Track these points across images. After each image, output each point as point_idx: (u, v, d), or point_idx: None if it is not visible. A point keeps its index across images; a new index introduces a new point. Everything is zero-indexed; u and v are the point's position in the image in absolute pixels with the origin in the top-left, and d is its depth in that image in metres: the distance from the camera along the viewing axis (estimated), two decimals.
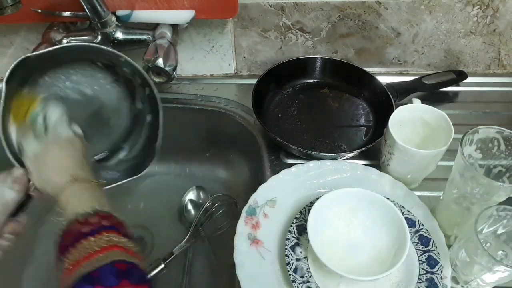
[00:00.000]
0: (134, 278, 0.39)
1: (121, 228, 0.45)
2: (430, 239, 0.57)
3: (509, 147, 0.53)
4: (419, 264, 0.55)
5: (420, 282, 0.53)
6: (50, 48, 0.52)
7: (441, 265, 0.54)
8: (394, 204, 0.58)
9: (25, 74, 0.53)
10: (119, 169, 0.66)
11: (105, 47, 0.56)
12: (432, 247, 0.56)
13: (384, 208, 0.56)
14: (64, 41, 0.70)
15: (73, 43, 0.56)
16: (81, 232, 0.43)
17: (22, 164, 0.52)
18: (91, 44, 0.55)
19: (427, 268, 0.54)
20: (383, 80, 0.77)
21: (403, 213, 0.58)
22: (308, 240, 0.52)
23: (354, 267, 0.54)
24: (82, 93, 0.60)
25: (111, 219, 0.45)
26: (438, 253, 0.55)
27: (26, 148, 0.51)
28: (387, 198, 0.57)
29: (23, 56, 0.49)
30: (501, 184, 0.49)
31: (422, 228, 0.58)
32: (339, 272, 0.49)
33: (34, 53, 0.51)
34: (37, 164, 0.51)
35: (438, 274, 0.53)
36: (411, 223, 0.58)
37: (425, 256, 0.56)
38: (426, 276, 0.54)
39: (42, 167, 0.50)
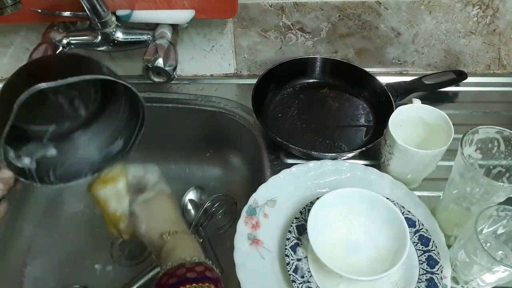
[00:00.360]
0: None
1: (219, 283, 0.48)
2: (430, 239, 0.57)
3: (509, 147, 0.53)
4: (419, 264, 0.55)
5: (420, 282, 0.53)
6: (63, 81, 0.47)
7: (441, 265, 0.54)
8: (394, 204, 0.58)
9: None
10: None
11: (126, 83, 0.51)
12: (432, 247, 0.56)
13: (384, 208, 0.56)
14: (64, 41, 0.70)
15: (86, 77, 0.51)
16: (186, 276, 0.46)
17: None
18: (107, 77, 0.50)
19: (427, 268, 0.54)
20: (383, 80, 0.77)
21: (403, 213, 0.58)
22: (308, 240, 0.52)
23: (354, 267, 0.54)
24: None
25: (213, 272, 0.49)
26: (438, 253, 0.55)
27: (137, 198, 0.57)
28: (387, 198, 0.57)
29: (38, 88, 0.44)
30: (501, 184, 0.49)
31: (422, 228, 0.58)
32: (339, 272, 0.49)
33: (49, 85, 0.46)
34: (146, 210, 0.56)
35: (438, 274, 0.53)
36: (411, 223, 0.58)
37: (425, 256, 0.56)
38: (426, 276, 0.54)
39: (152, 214, 0.56)
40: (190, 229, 0.77)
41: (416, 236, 0.58)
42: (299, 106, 0.79)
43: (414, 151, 0.58)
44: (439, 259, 0.55)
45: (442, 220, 0.60)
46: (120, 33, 0.69)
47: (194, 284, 0.45)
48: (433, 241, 0.57)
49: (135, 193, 0.58)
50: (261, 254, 0.58)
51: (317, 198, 0.57)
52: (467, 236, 0.51)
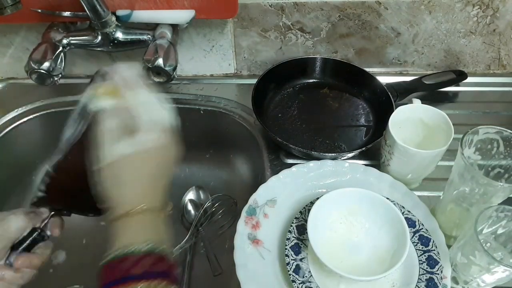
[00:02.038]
0: None
1: (172, 272, 0.41)
2: (430, 239, 0.57)
3: (508, 148, 0.53)
4: (419, 264, 0.55)
5: (420, 282, 0.53)
6: None
7: (441, 265, 0.54)
8: (394, 204, 0.58)
9: None
10: None
11: None
12: (432, 247, 0.56)
13: (384, 208, 0.56)
14: (64, 41, 0.70)
15: None
16: (129, 273, 0.38)
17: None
18: None
19: (427, 268, 0.54)
20: (383, 80, 0.77)
21: (403, 213, 0.58)
22: (308, 240, 0.52)
23: (354, 267, 0.54)
24: None
25: (165, 262, 0.41)
26: (438, 253, 0.55)
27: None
28: (387, 198, 0.57)
29: None
30: (501, 184, 0.49)
31: (422, 228, 0.58)
32: (339, 272, 0.49)
33: None
34: (113, 170, 0.43)
35: (438, 274, 0.53)
36: (411, 223, 0.58)
37: (425, 256, 0.56)
38: (426, 276, 0.54)
39: (117, 176, 0.43)
40: (190, 229, 0.77)
41: (416, 236, 0.58)
42: (299, 106, 0.79)
43: (414, 151, 0.58)
44: (439, 259, 0.55)
45: (442, 220, 0.60)
46: (120, 33, 0.70)
47: (140, 284, 0.38)
48: (433, 241, 0.57)
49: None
50: (261, 254, 0.58)
51: (317, 198, 0.57)
52: (467, 236, 0.51)
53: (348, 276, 0.49)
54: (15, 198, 0.82)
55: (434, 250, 0.56)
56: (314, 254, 0.51)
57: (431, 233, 0.58)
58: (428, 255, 0.56)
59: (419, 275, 0.54)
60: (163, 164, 0.46)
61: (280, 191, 0.64)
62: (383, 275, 0.50)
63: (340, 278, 0.52)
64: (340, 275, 0.49)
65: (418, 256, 0.56)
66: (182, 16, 0.70)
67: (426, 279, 0.53)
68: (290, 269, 0.54)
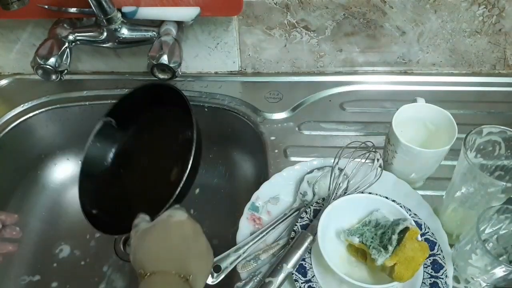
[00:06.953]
0: None
1: None
2: (436, 243, 0.56)
3: (509, 150, 0.53)
4: (424, 268, 0.54)
5: (423, 286, 0.53)
6: None
7: (445, 270, 0.53)
8: (401, 207, 0.57)
9: None
10: None
11: None
12: (437, 251, 0.55)
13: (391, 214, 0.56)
14: (70, 37, 0.70)
15: None
16: None
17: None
18: None
19: (431, 272, 0.54)
20: (388, 79, 0.77)
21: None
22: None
23: (359, 270, 0.54)
24: None
25: None
26: (444, 257, 0.55)
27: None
28: (393, 201, 0.57)
29: None
30: (503, 183, 0.48)
31: (428, 232, 0.57)
32: (342, 275, 0.49)
33: None
34: (138, 239, 0.49)
35: (442, 278, 0.53)
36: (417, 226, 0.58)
37: (429, 260, 0.55)
38: (430, 280, 0.53)
39: (141, 244, 0.48)
40: None
41: (421, 240, 0.57)
42: None
43: (417, 150, 0.58)
44: (444, 263, 0.54)
45: (445, 220, 0.60)
46: (125, 29, 0.70)
47: None
48: (439, 245, 0.56)
49: None
50: None
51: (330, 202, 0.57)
52: (469, 236, 0.51)
53: (351, 281, 0.49)
54: (20, 192, 0.83)
55: (439, 254, 0.55)
56: (318, 253, 0.51)
57: (434, 232, 0.57)
58: (433, 259, 0.55)
59: (423, 279, 0.53)
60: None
61: (283, 189, 0.64)
62: (388, 285, 0.49)
63: (343, 279, 0.52)
64: (344, 279, 0.49)
65: None
66: (187, 13, 0.70)
67: (430, 283, 0.53)
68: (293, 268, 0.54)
